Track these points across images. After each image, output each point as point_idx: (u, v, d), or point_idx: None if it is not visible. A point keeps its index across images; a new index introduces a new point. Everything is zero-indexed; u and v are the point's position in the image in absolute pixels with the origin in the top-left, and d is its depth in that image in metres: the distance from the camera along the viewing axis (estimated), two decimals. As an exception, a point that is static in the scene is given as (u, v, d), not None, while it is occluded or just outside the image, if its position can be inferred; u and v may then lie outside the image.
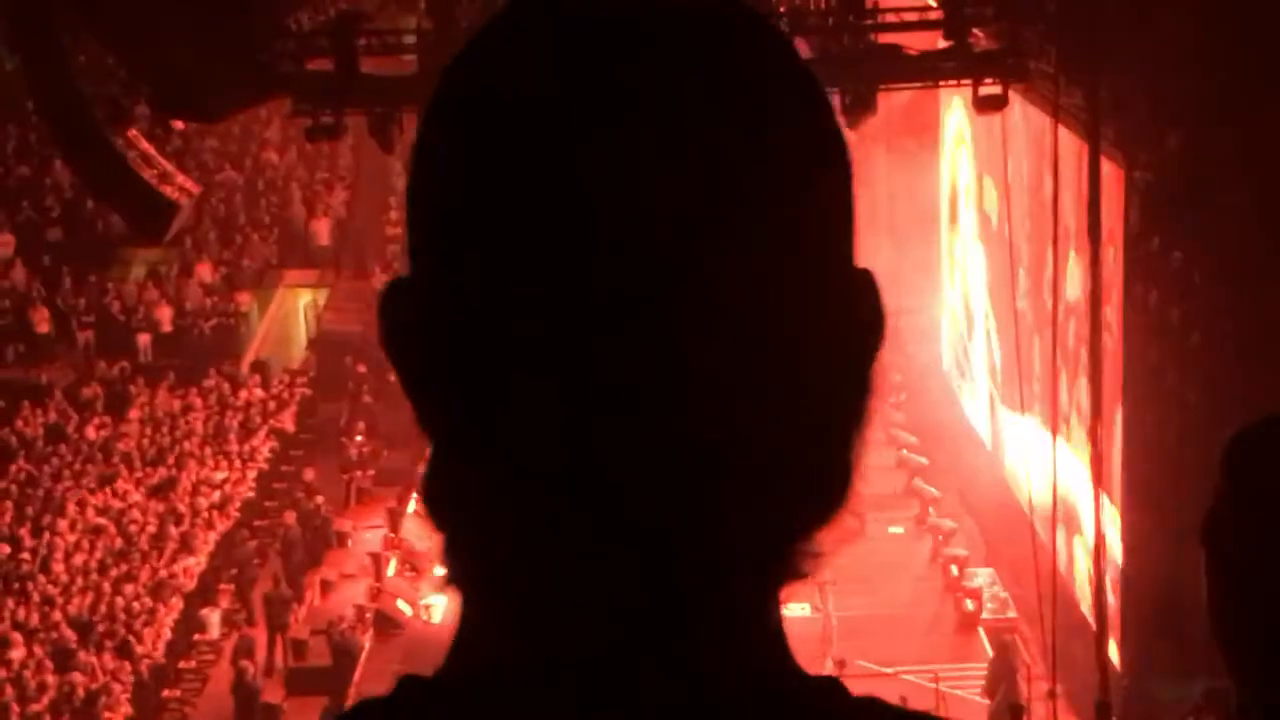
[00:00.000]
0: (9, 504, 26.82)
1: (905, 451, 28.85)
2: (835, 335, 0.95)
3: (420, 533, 26.72)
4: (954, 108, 27.77)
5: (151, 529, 26.33)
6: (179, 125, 30.65)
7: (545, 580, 0.93)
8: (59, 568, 25.22)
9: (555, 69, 0.91)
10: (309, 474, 28.57)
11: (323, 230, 33.40)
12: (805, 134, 0.94)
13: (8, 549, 25.49)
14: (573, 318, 0.89)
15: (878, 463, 28.75)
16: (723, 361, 0.91)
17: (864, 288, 0.98)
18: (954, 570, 24.84)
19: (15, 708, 22.15)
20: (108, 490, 27.28)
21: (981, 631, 23.34)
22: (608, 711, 0.91)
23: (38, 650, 23.28)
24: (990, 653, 22.26)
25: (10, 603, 24.20)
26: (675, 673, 0.92)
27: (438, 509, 0.96)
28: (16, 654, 23.05)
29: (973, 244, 27.59)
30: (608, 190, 0.89)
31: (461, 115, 0.93)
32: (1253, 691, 1.26)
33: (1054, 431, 19.77)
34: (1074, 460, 20.35)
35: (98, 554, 25.62)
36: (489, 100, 0.92)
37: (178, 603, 25.13)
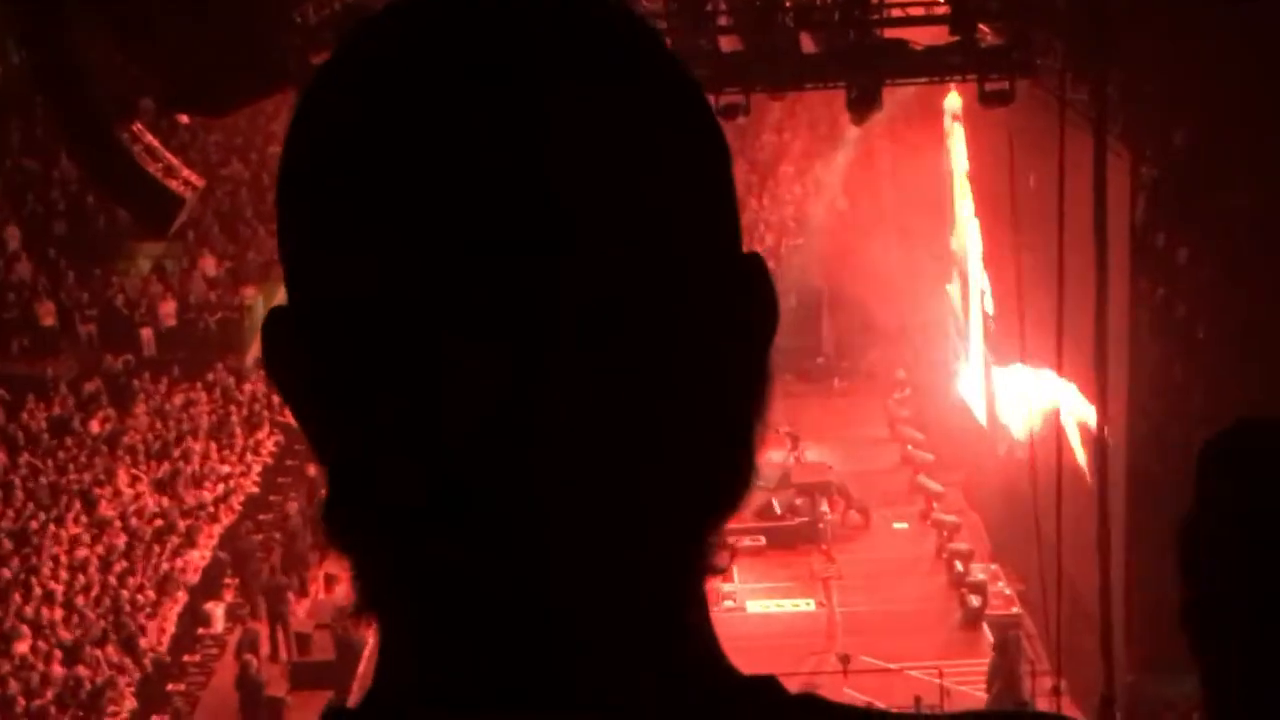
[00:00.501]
0: (15, 497, 26.84)
1: (910, 448, 28.85)
2: (729, 321, 0.92)
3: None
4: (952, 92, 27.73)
5: (156, 523, 26.35)
6: (184, 119, 30.68)
7: (433, 615, 0.90)
8: (64, 561, 25.24)
9: (415, 64, 0.87)
10: (311, 469, 28.54)
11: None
12: (679, 120, 0.91)
13: (10, 544, 25.52)
14: (430, 327, 0.86)
15: (883, 458, 28.75)
16: (602, 360, 0.86)
17: (755, 272, 0.94)
18: (958, 566, 24.84)
19: (21, 701, 22.17)
20: (112, 484, 27.29)
21: (986, 627, 23.34)
22: None
23: (43, 644, 23.31)
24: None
25: (16, 597, 24.22)
26: (571, 694, 0.89)
27: (335, 538, 0.94)
28: (22, 647, 23.08)
29: (970, 220, 27.50)
30: (469, 181, 0.85)
31: (315, 117, 0.91)
32: (1219, 701, 1.24)
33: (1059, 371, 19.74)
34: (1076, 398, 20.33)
35: (101, 548, 25.64)
36: (341, 101, 0.89)
37: (182, 596, 25.16)
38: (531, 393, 0.86)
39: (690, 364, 0.89)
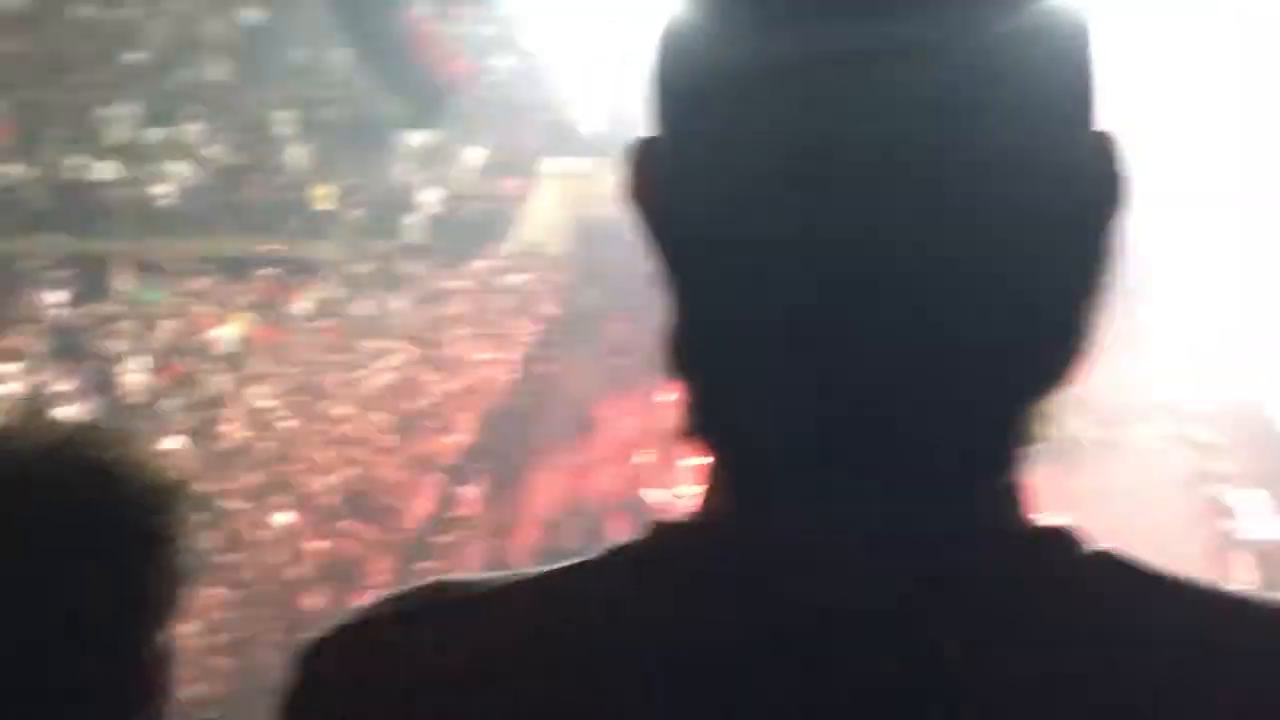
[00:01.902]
0: (284, 373, 27.76)
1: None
2: (1074, 199, 0.94)
3: (674, 422, 26.96)
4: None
5: (416, 405, 27.02)
6: (458, 9, 31.10)
7: (775, 439, 0.94)
8: (328, 438, 26.06)
9: None
10: (568, 359, 29.00)
11: (591, 119, 33.62)
12: None
13: (278, 415, 26.42)
14: (807, 190, 0.90)
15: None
16: (956, 226, 0.90)
17: (1105, 150, 0.96)
18: (1215, 489, 24.25)
19: (281, 571, 23.03)
20: (373, 366, 28.04)
21: (1244, 553, 22.80)
22: (838, 567, 0.92)
23: (303, 516, 24.15)
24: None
25: (278, 467, 25.10)
26: (903, 528, 0.92)
27: (674, 361, 0.98)
28: (283, 519, 23.94)
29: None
30: (847, 64, 0.90)
31: None
32: None
33: None
34: None
35: (364, 426, 26.40)
36: None
37: (438, 477, 25.81)
38: (884, 232, 0.90)
39: (1034, 231, 0.92)
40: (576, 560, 0.99)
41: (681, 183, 0.96)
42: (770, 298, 0.92)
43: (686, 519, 0.99)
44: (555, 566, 1.00)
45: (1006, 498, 0.95)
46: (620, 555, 0.98)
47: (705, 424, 0.98)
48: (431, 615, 0.98)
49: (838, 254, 0.91)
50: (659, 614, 0.94)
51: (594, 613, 0.96)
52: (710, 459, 0.99)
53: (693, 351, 0.98)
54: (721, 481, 0.98)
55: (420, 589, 1.00)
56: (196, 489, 1.68)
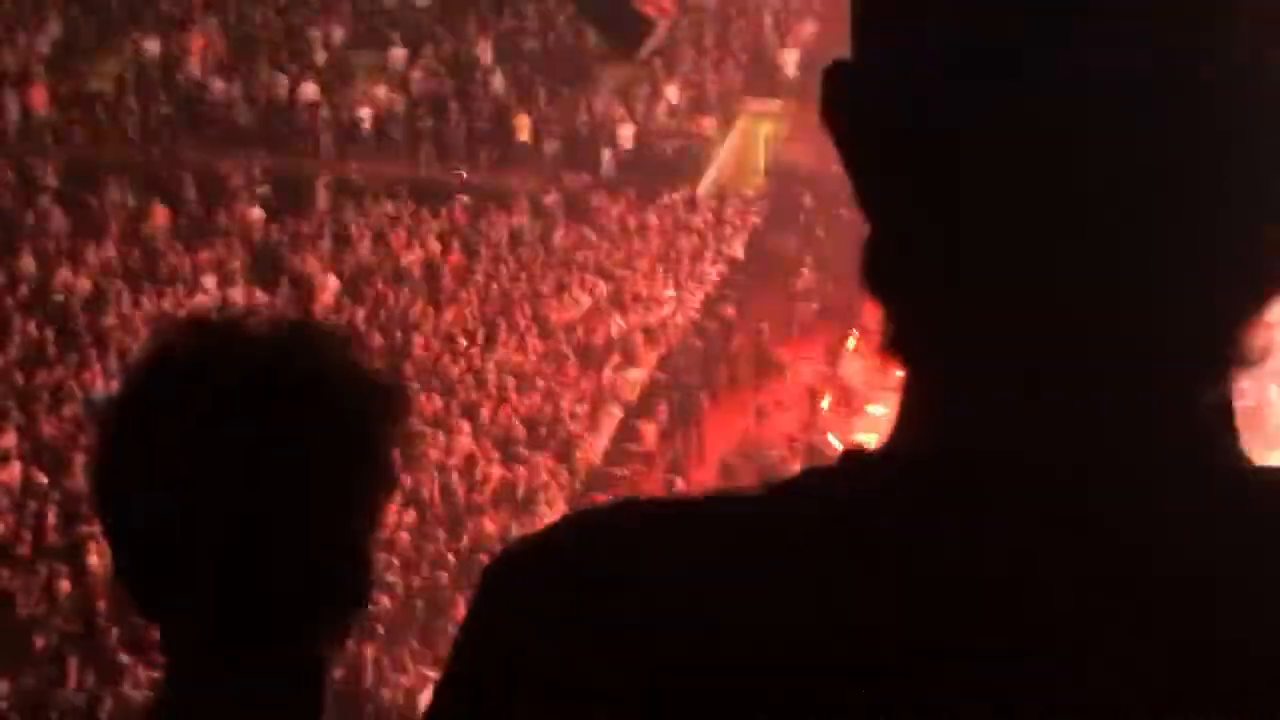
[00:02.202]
0: (472, 300, 28.11)
1: None
2: None
3: (857, 370, 26.82)
4: None
5: (600, 339, 27.21)
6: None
7: (987, 367, 0.92)
8: (513, 366, 26.37)
9: None
10: (754, 301, 28.99)
11: (790, 61, 33.42)
12: None
13: (463, 343, 26.79)
14: (1040, 116, 0.88)
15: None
16: (1183, 153, 0.88)
17: None
18: None
19: (461, 494, 23.40)
20: (561, 298, 28.26)
21: None
22: (1052, 501, 0.89)
23: (485, 443, 24.49)
24: None
25: (462, 393, 25.45)
26: (1119, 467, 0.90)
27: (879, 285, 0.97)
28: (465, 442, 24.30)
29: None
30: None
31: None
32: None
33: None
34: None
35: (549, 357, 26.66)
36: None
37: (618, 412, 26.00)
38: (1091, 173, 0.88)
39: (1251, 151, 0.90)
40: (767, 487, 0.95)
41: (873, 96, 0.94)
42: (976, 207, 0.90)
43: (882, 447, 0.96)
44: (744, 493, 0.95)
45: (1221, 418, 0.93)
46: (818, 476, 0.95)
47: (907, 342, 0.96)
48: (624, 529, 0.95)
49: (1039, 160, 0.88)
50: (884, 528, 0.90)
51: (805, 528, 0.92)
52: (910, 379, 0.96)
53: (891, 269, 0.96)
54: (923, 402, 0.95)
55: (612, 504, 0.97)
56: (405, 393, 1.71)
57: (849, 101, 0.96)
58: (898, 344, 0.96)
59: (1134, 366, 0.90)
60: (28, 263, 28.72)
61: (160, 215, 30.51)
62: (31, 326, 26.72)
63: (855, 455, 0.95)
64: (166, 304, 27.79)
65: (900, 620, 0.88)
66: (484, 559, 22.39)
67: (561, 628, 0.93)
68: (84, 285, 28.18)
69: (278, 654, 1.62)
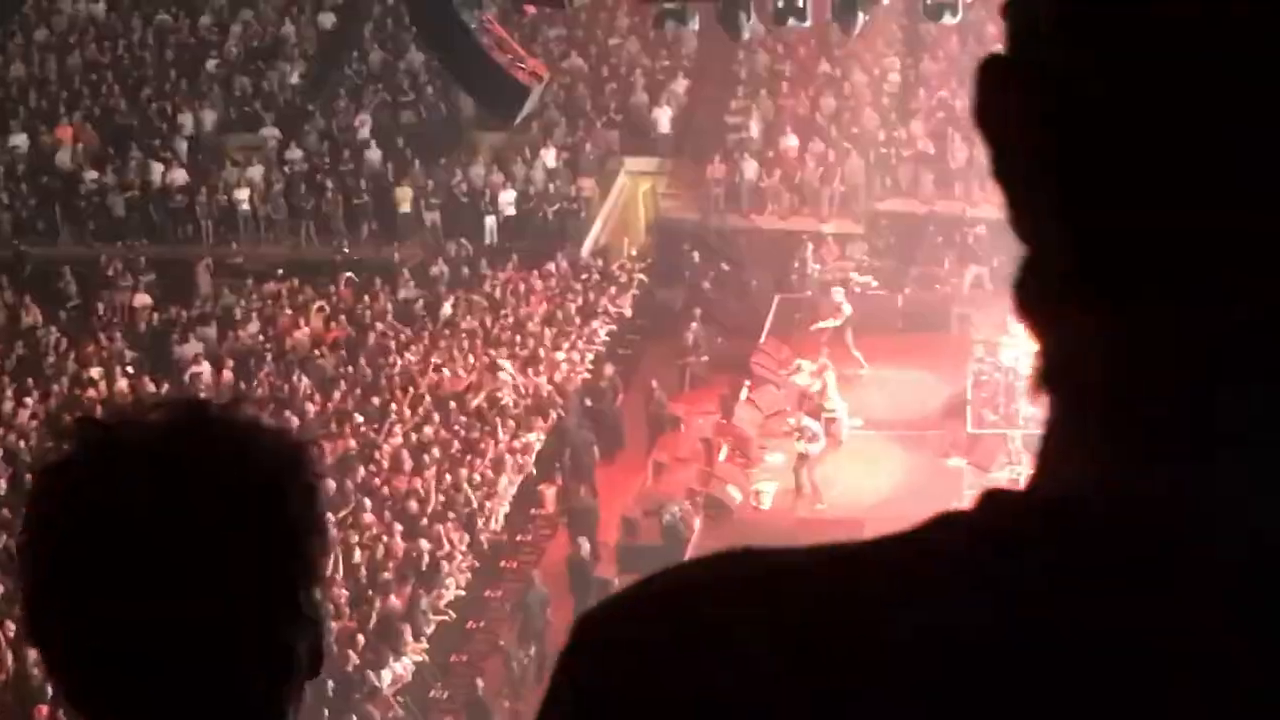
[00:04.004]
0: (362, 376, 27.97)
1: None
2: None
3: (753, 420, 26.97)
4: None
5: (493, 406, 27.15)
6: (529, 10, 31.22)
7: (1123, 399, 0.84)
8: (407, 440, 26.25)
9: None
10: (644, 358, 29.07)
11: (664, 118, 33.70)
12: None
13: (359, 419, 26.64)
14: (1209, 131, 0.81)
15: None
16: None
17: None
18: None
19: (365, 571, 23.23)
20: (453, 367, 28.21)
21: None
22: (1185, 554, 0.80)
23: (384, 516, 24.34)
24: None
25: (361, 471, 25.31)
26: (1246, 522, 0.80)
27: (1024, 308, 0.89)
28: (366, 518, 24.15)
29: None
30: None
31: None
32: None
33: None
34: None
35: (442, 428, 26.57)
36: None
37: (517, 477, 25.95)
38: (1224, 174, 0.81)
39: None
40: (901, 533, 0.86)
41: (1038, 107, 0.85)
42: (1146, 229, 0.83)
43: (1027, 488, 0.87)
44: (874, 539, 0.86)
45: None
46: (955, 524, 0.85)
47: (1061, 376, 0.87)
48: (736, 583, 0.86)
49: (1233, 188, 0.81)
50: (1017, 587, 0.81)
51: (933, 583, 0.82)
52: (1059, 416, 0.87)
53: (1045, 297, 0.87)
54: (1071, 442, 0.86)
55: (721, 556, 0.88)
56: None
57: (1010, 93, 0.87)
58: (1048, 376, 0.88)
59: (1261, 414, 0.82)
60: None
61: (36, 310, 30.17)
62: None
63: (996, 495, 0.86)
64: (52, 402, 27.45)
65: (1035, 671, 0.80)
66: (407, 629, 22.27)
67: (659, 684, 0.84)
68: (-34, 386, 27.77)
69: None
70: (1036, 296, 0.87)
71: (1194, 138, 0.81)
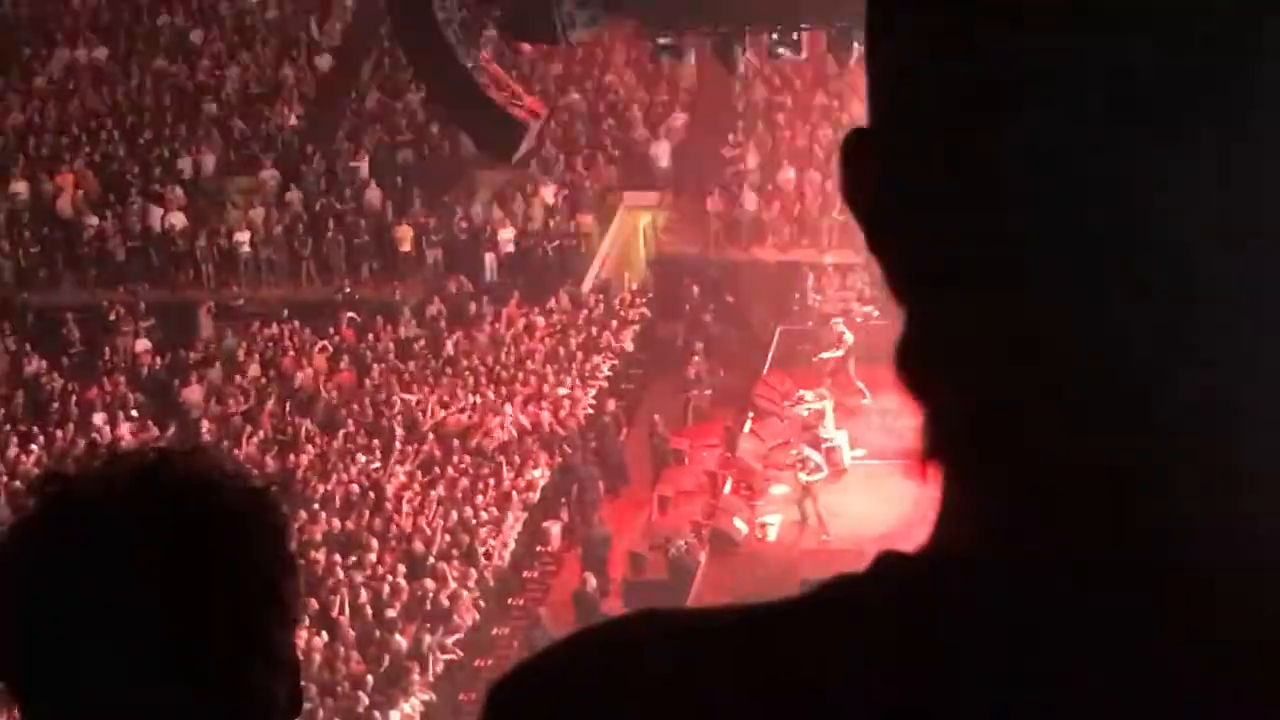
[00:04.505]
0: (364, 414, 27.98)
1: None
2: None
3: (756, 452, 26.96)
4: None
5: (497, 442, 27.15)
6: (526, 49, 31.33)
7: (1004, 464, 0.85)
8: (410, 478, 26.24)
9: None
10: (647, 392, 29.06)
11: (663, 153, 33.77)
12: None
13: (363, 458, 26.64)
14: (1059, 184, 0.81)
15: None
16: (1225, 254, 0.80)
17: None
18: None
19: (370, 611, 23.19)
20: (455, 404, 28.21)
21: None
22: (1071, 621, 0.83)
23: (389, 557, 24.32)
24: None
25: (365, 511, 25.30)
26: (1148, 590, 0.83)
27: (906, 374, 0.89)
28: (371, 558, 24.12)
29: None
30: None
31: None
32: None
33: None
34: None
35: (445, 466, 26.56)
36: None
37: (522, 514, 25.92)
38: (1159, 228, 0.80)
39: None
40: (798, 595, 0.88)
41: (904, 176, 0.86)
42: (1020, 304, 0.83)
43: (919, 550, 0.88)
44: (774, 601, 0.88)
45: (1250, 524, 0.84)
46: (845, 591, 0.88)
47: (943, 446, 0.88)
48: (643, 646, 0.88)
49: (1095, 251, 0.81)
50: (920, 632, 0.84)
51: (830, 649, 0.85)
52: (949, 482, 0.88)
53: (929, 365, 0.88)
54: (962, 507, 0.87)
55: (628, 619, 0.90)
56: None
57: (872, 164, 0.88)
58: (929, 438, 0.88)
59: (1185, 489, 0.83)
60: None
61: (40, 358, 30.21)
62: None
63: (890, 558, 0.88)
64: (57, 446, 27.47)
65: None
66: (415, 669, 22.25)
67: None
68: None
69: None
70: (922, 363, 0.88)
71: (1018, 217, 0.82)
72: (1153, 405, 0.82)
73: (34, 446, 27.53)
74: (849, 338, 28.37)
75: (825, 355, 28.31)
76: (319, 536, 24.39)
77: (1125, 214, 0.80)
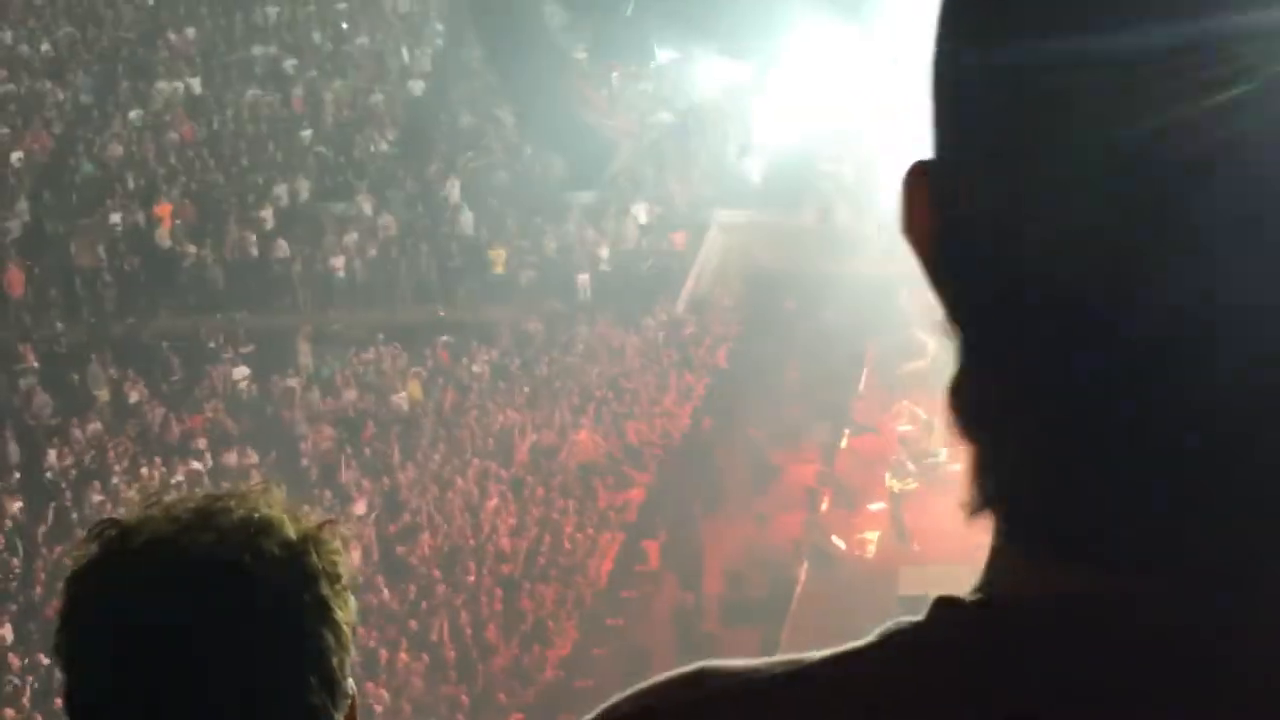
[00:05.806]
0: (460, 436, 28.08)
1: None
2: None
3: (854, 467, 26.80)
4: None
5: (594, 461, 27.16)
6: (616, 68, 31.39)
7: (1061, 510, 0.83)
8: (506, 499, 26.29)
9: None
10: (743, 409, 28.96)
11: (754, 169, 33.67)
12: None
13: (460, 481, 26.72)
14: (1129, 225, 0.78)
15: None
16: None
17: None
18: None
19: (469, 630, 23.24)
20: (551, 427, 28.24)
21: None
22: (1133, 657, 0.81)
23: (487, 579, 24.36)
24: None
25: (465, 528, 25.36)
26: (1212, 622, 0.81)
27: (961, 420, 0.86)
28: (469, 579, 24.18)
29: None
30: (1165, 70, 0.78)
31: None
32: None
33: None
34: None
35: (544, 487, 26.60)
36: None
37: (619, 534, 25.90)
38: (1227, 277, 0.78)
39: None
40: (853, 646, 0.86)
41: (969, 215, 0.84)
42: (1082, 352, 0.80)
43: (972, 597, 0.86)
44: (828, 654, 0.86)
45: None
46: (902, 640, 0.86)
47: (997, 493, 0.85)
48: (701, 710, 0.87)
49: (1164, 302, 0.78)
50: (980, 681, 0.82)
51: (886, 706, 0.84)
52: (1000, 528, 0.86)
53: (983, 411, 0.85)
54: (1014, 555, 0.85)
55: (676, 680, 0.88)
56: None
57: (928, 215, 0.86)
58: (982, 485, 0.86)
59: (1221, 538, 0.81)
60: (13, 449, 28.68)
61: (141, 386, 30.55)
62: (17, 508, 26.65)
63: (948, 603, 0.86)
64: (159, 474, 27.75)
65: None
66: (501, 698, 22.28)
67: None
68: (71, 463, 28.14)
69: None
70: (977, 411, 0.86)
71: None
72: (1217, 452, 0.79)
73: (142, 472, 27.82)
74: (933, 347, 28.13)
75: (915, 366, 28.10)
76: (414, 561, 24.48)
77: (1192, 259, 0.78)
